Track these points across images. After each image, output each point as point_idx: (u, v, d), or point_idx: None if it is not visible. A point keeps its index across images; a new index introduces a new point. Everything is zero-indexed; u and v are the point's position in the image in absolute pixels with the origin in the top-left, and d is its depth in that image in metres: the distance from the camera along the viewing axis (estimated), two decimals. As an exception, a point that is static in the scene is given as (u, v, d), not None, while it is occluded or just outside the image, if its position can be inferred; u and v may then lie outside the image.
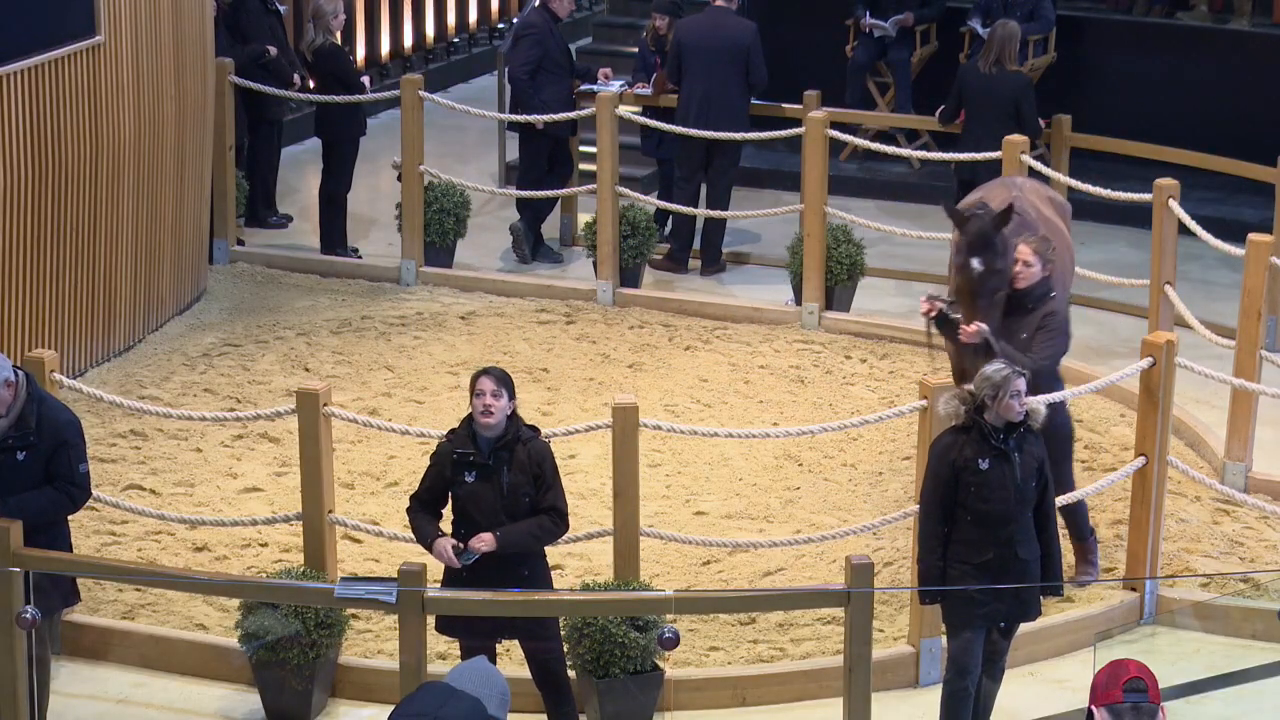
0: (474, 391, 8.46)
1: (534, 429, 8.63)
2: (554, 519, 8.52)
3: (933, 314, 10.05)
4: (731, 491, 11.43)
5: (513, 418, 8.53)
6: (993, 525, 8.53)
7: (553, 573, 8.99)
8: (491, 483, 8.43)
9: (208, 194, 14.24)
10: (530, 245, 15.15)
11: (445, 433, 8.70)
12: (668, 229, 15.26)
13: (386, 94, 15.56)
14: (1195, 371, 10.66)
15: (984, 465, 8.51)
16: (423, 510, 8.62)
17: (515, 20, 15.91)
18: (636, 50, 16.07)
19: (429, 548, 8.56)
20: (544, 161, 15.05)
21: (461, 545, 8.45)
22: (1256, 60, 16.57)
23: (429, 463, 8.67)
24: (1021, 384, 8.52)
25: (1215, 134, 15.44)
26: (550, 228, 15.47)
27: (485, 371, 8.52)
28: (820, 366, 13.15)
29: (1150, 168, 14.06)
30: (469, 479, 8.45)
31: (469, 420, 8.52)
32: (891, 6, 16.68)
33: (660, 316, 13.98)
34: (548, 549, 8.78)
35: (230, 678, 9.52)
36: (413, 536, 8.77)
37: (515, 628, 8.58)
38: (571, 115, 14.60)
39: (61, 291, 12.31)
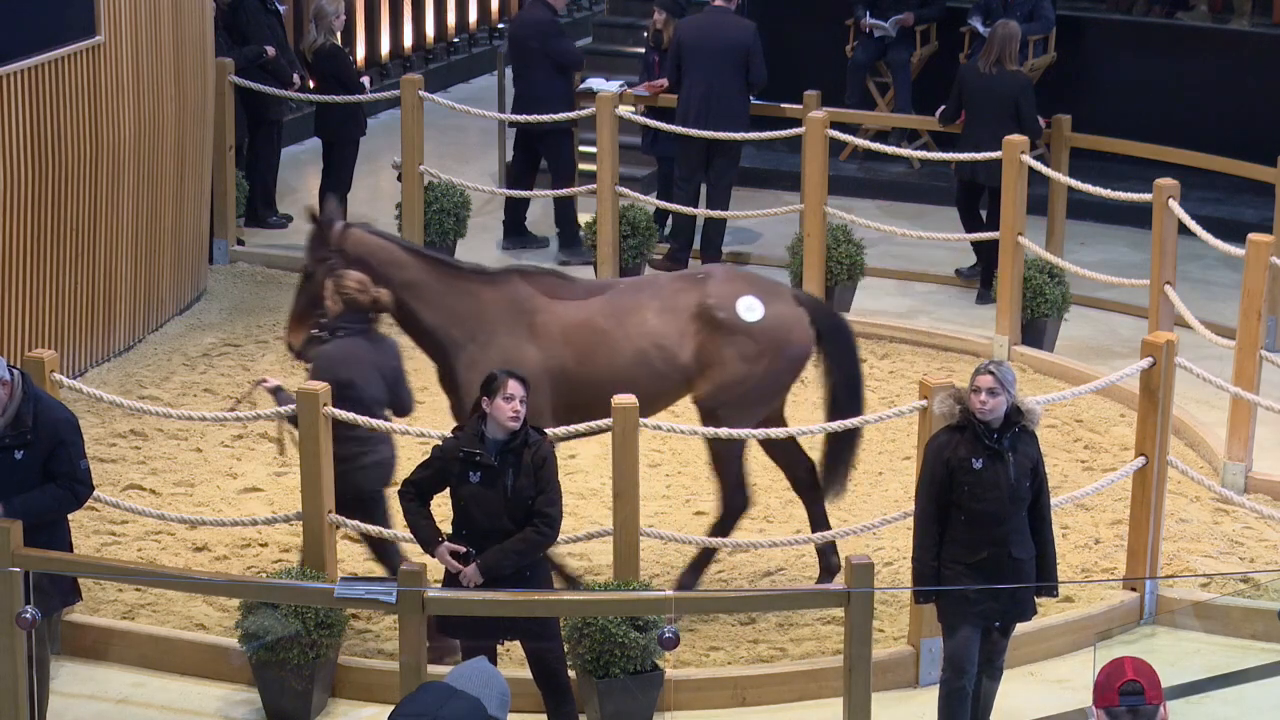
0: (498, 393, 8.39)
1: (540, 432, 8.61)
2: (540, 529, 8.45)
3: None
4: (731, 491, 11.43)
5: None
6: (986, 525, 8.52)
7: (553, 573, 8.98)
8: (496, 485, 8.41)
9: (208, 194, 14.25)
10: (520, 238, 15.32)
11: (451, 430, 8.67)
12: (668, 229, 15.26)
13: (386, 94, 15.57)
14: (1195, 374, 10.67)
15: (978, 464, 8.50)
16: (418, 500, 8.59)
17: (511, 26, 15.73)
18: (641, 50, 16.10)
19: (430, 552, 8.54)
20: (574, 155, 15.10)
21: (461, 549, 8.43)
22: (1256, 60, 16.57)
23: (431, 454, 8.64)
24: (987, 380, 8.49)
25: (1215, 134, 15.45)
26: (548, 226, 15.51)
27: (510, 374, 8.47)
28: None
29: (1150, 168, 14.06)
30: (473, 479, 8.42)
31: (478, 419, 8.49)
32: (891, 6, 16.68)
33: (660, 316, 13.96)
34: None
35: (230, 678, 9.52)
36: (412, 537, 8.75)
37: (516, 628, 8.57)
38: (571, 115, 14.60)
39: (61, 291, 12.31)
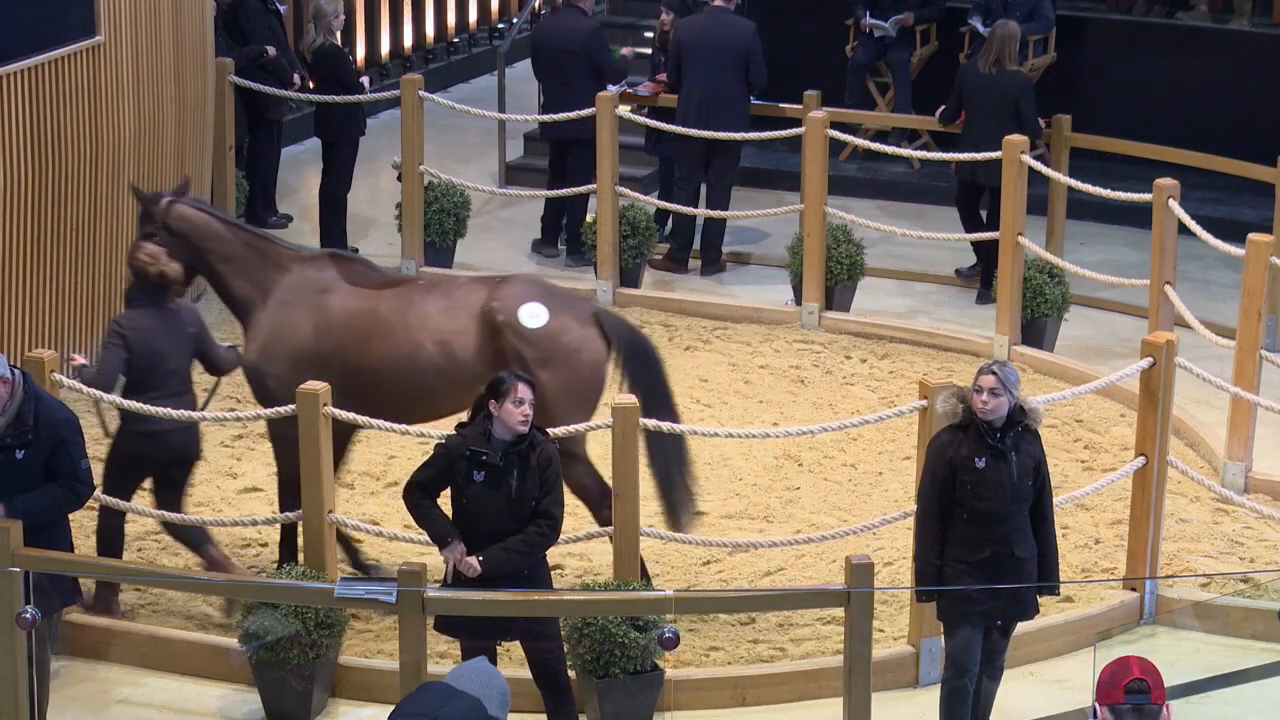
0: (506, 397, 8.38)
1: (543, 432, 8.60)
2: (543, 528, 8.46)
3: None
4: (731, 491, 11.43)
5: None
6: (989, 524, 8.53)
7: (553, 573, 8.98)
8: (501, 486, 8.40)
9: (208, 194, 14.24)
10: (552, 245, 15.31)
11: (455, 428, 8.66)
12: (668, 229, 15.26)
13: (386, 94, 15.56)
14: (1195, 374, 10.67)
15: (980, 464, 8.50)
16: (427, 499, 8.58)
17: (543, 31, 15.50)
18: (646, 51, 16.07)
19: (444, 546, 8.51)
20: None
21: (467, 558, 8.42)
22: (1256, 60, 16.57)
23: (434, 452, 8.63)
24: (989, 381, 8.49)
25: (1215, 134, 15.45)
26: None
27: (519, 377, 8.46)
28: (820, 366, 13.15)
29: (1150, 168, 14.06)
30: (477, 478, 8.41)
31: (484, 419, 8.48)
32: (891, 6, 16.67)
33: (660, 316, 13.98)
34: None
35: (230, 678, 9.52)
36: (412, 537, 8.73)
37: (516, 628, 8.57)
38: (570, 115, 14.58)
39: (61, 291, 12.31)
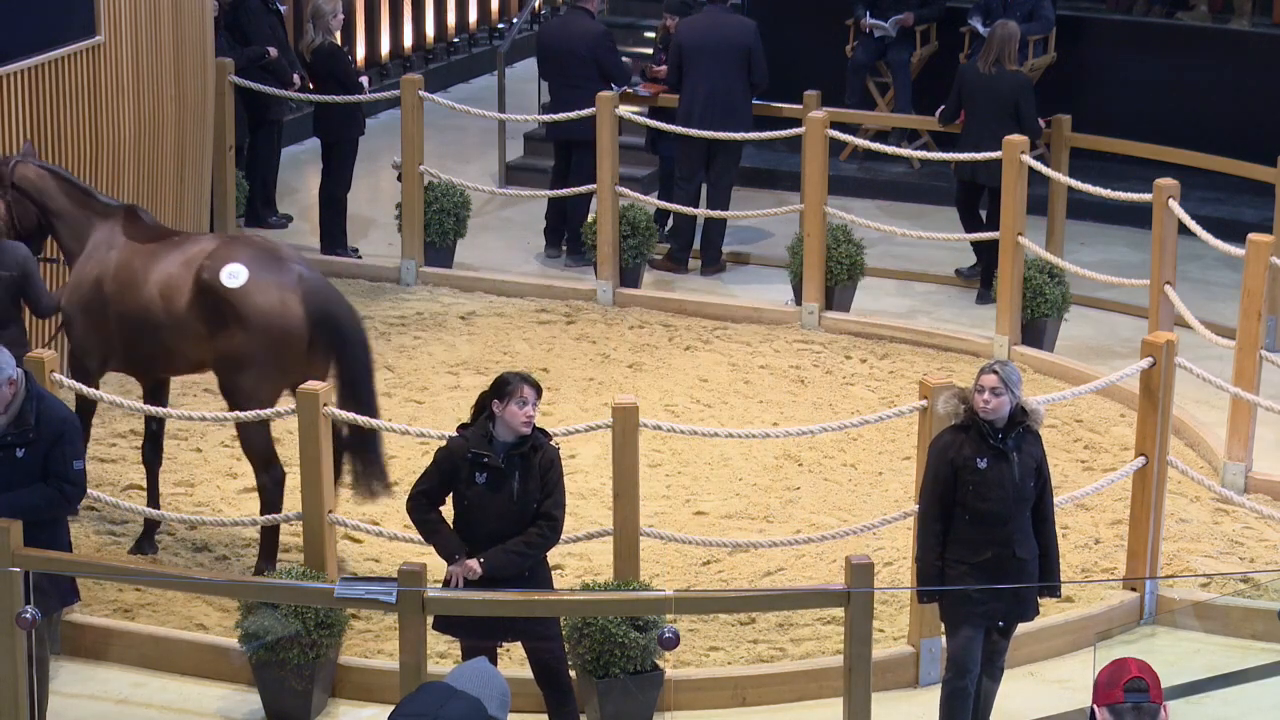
0: (510, 398, 8.37)
1: (545, 434, 8.60)
2: (543, 529, 8.46)
3: None
4: (731, 491, 11.43)
5: None
6: (991, 524, 8.53)
7: (553, 573, 8.98)
8: (502, 489, 8.39)
9: (208, 194, 14.25)
10: (558, 247, 15.25)
11: (456, 430, 8.65)
12: (668, 229, 15.26)
13: (386, 94, 15.56)
14: (1195, 374, 10.67)
15: (982, 464, 8.50)
16: (432, 508, 8.57)
17: (548, 32, 15.42)
18: (648, 51, 16.06)
19: (451, 560, 8.48)
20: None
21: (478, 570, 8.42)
22: (1256, 60, 16.57)
23: (436, 457, 8.63)
24: (991, 380, 8.49)
25: (1215, 134, 15.45)
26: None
27: (524, 379, 8.45)
28: (820, 366, 13.15)
29: (1150, 168, 14.06)
30: (479, 481, 8.41)
31: (487, 420, 8.47)
32: (891, 6, 16.67)
33: (660, 316, 13.98)
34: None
35: (230, 678, 9.52)
36: (411, 537, 8.72)
37: (516, 628, 8.56)
38: (571, 115, 14.57)
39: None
